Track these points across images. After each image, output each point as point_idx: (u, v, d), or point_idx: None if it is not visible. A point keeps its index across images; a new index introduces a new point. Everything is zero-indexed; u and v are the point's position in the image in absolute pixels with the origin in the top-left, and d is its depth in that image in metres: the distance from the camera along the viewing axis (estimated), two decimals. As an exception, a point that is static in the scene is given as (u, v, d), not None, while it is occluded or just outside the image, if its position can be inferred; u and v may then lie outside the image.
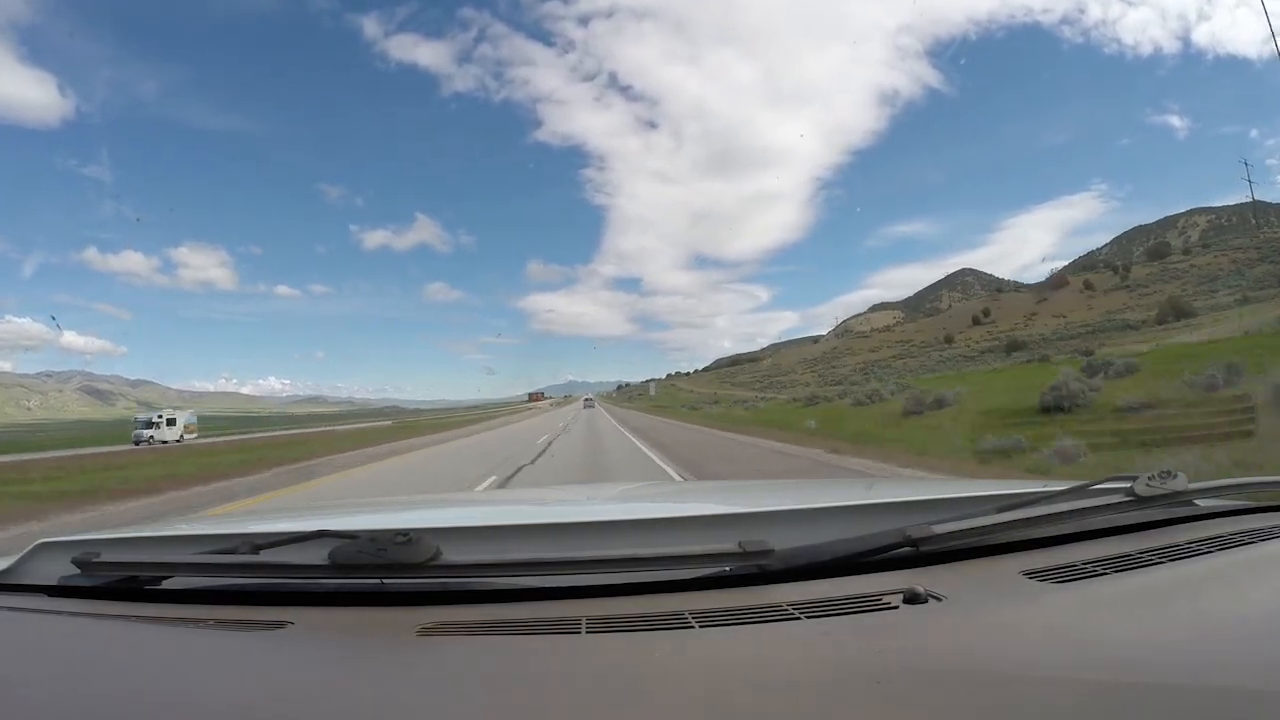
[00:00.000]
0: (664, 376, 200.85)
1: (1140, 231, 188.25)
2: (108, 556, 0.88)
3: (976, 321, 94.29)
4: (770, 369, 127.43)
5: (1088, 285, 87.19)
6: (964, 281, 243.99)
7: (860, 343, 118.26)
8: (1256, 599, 0.73)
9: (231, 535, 1.00)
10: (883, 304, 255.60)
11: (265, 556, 0.85)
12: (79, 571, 0.87)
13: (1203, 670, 0.55)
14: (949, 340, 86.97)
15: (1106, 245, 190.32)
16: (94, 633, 0.79)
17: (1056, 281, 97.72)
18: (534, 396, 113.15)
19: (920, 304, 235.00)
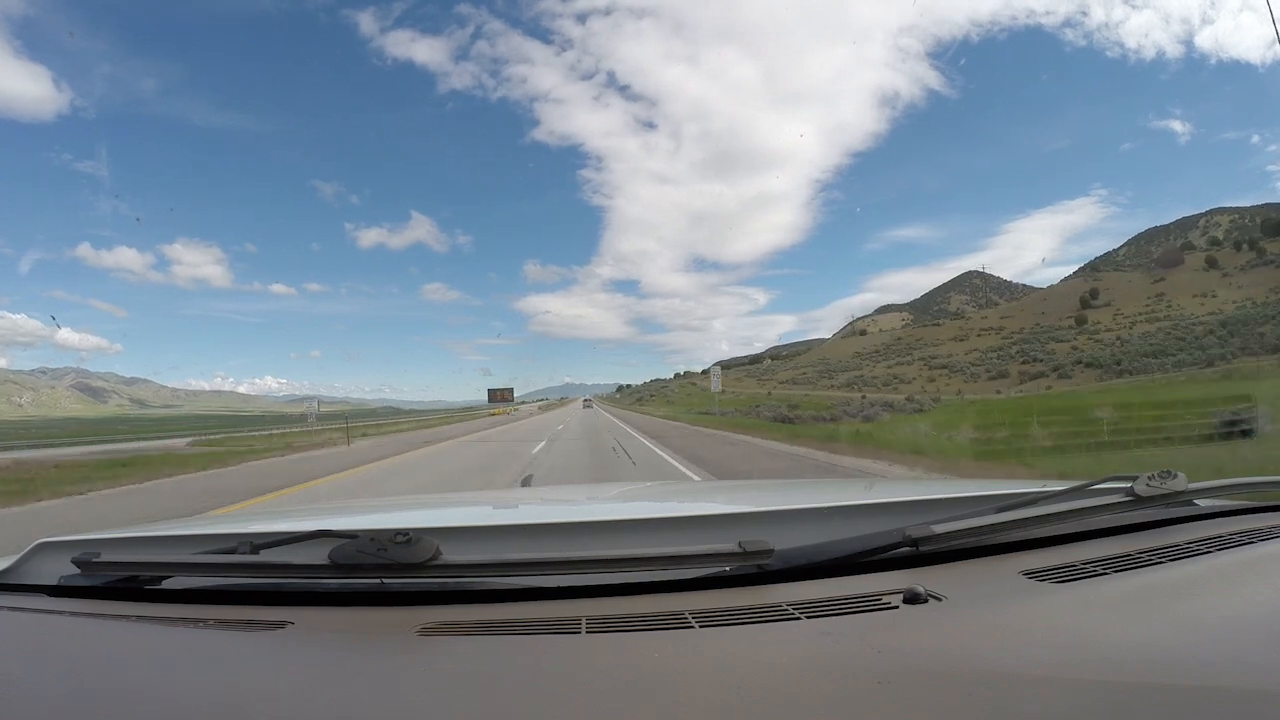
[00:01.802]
0: (671, 376, 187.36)
1: (1158, 232, 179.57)
2: (108, 556, 0.87)
3: (1085, 304, 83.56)
4: (817, 363, 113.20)
5: (1211, 263, 77.50)
6: (973, 284, 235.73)
7: (929, 332, 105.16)
8: (1256, 599, 0.72)
9: (231, 535, 1.00)
10: (889, 306, 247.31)
11: (265, 556, 0.85)
12: (79, 571, 0.87)
13: (1203, 670, 0.55)
14: (1081, 322, 75.10)
15: (1123, 246, 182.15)
16: (94, 633, 0.78)
17: (1170, 259, 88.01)
18: (499, 396, 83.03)
19: (928, 305, 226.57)
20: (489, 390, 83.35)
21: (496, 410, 68.93)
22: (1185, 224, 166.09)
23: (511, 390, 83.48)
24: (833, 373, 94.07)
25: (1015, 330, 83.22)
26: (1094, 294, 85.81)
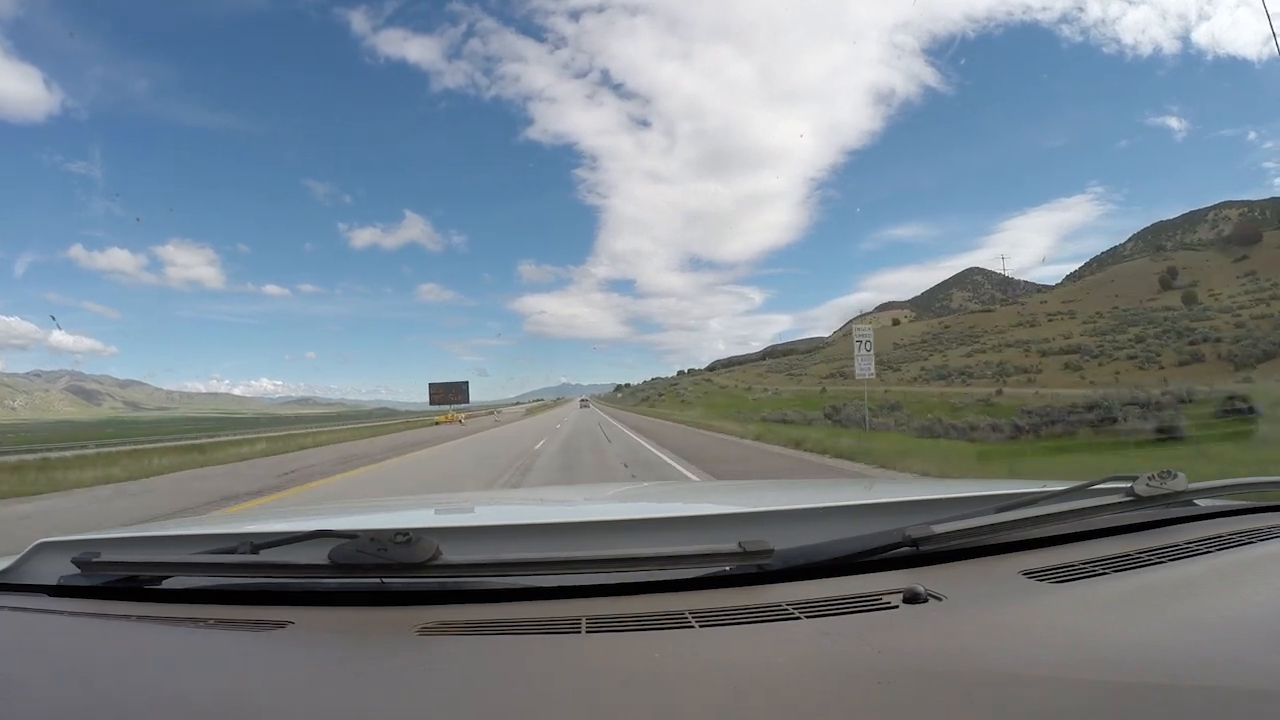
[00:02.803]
0: (674, 374, 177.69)
1: (1164, 226, 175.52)
2: (108, 556, 0.87)
3: (1165, 285, 75.62)
4: (852, 355, 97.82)
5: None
6: (974, 281, 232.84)
7: (984, 319, 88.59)
8: (1256, 599, 0.72)
9: (231, 535, 1.00)
10: (890, 303, 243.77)
11: (265, 556, 0.85)
12: (79, 571, 0.86)
13: (1203, 670, 0.55)
14: (1190, 300, 64.83)
15: (1129, 241, 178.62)
16: (94, 633, 0.78)
17: (1249, 236, 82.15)
18: (444, 395, 57.01)
19: (930, 303, 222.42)
20: (430, 386, 54.52)
21: (442, 417, 42.38)
22: (1193, 218, 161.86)
23: (465, 385, 57.57)
24: (892, 364, 73.94)
25: (1095, 314, 72.06)
26: (1173, 273, 77.61)
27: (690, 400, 77.70)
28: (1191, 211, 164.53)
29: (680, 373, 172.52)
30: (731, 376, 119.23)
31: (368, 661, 0.64)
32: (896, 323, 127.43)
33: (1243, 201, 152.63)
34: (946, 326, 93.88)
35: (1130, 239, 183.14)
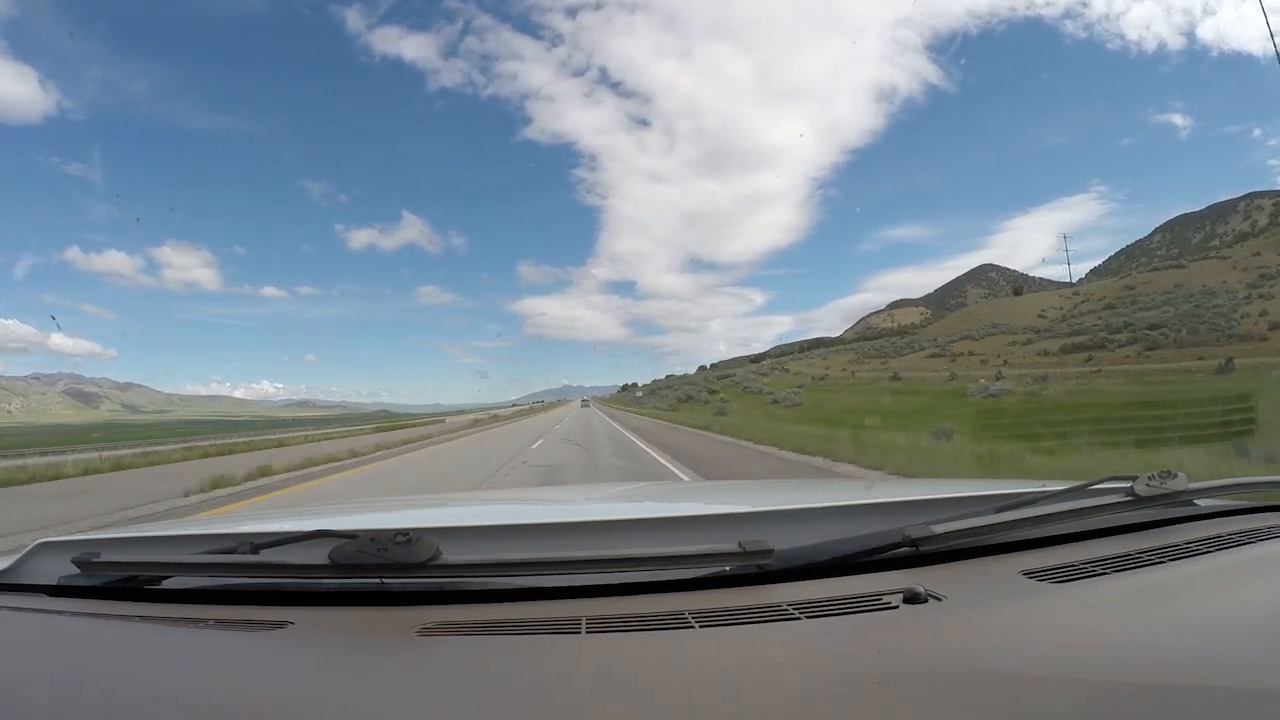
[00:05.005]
0: (694, 370, 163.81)
1: (1190, 219, 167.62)
2: (108, 556, 0.87)
3: None
4: (987, 326, 66.89)
5: None
6: (988, 277, 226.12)
7: (1180, 275, 60.03)
8: (1256, 599, 0.72)
9: (231, 535, 1.00)
10: (903, 300, 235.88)
11: (265, 556, 0.84)
12: (79, 571, 0.86)
13: (1202, 670, 0.55)
14: None
15: (1155, 233, 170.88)
16: (94, 633, 0.78)
17: None
18: None
19: (944, 299, 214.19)
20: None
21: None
22: (1223, 209, 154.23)
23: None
24: (1071, 336, 48.27)
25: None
26: None
27: (797, 402, 42.92)
28: (1219, 203, 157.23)
29: (700, 367, 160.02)
30: (809, 364, 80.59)
31: (368, 661, 0.64)
32: (1019, 292, 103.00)
33: (1273, 192, 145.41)
34: (1130, 288, 64.09)
35: (1155, 232, 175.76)
